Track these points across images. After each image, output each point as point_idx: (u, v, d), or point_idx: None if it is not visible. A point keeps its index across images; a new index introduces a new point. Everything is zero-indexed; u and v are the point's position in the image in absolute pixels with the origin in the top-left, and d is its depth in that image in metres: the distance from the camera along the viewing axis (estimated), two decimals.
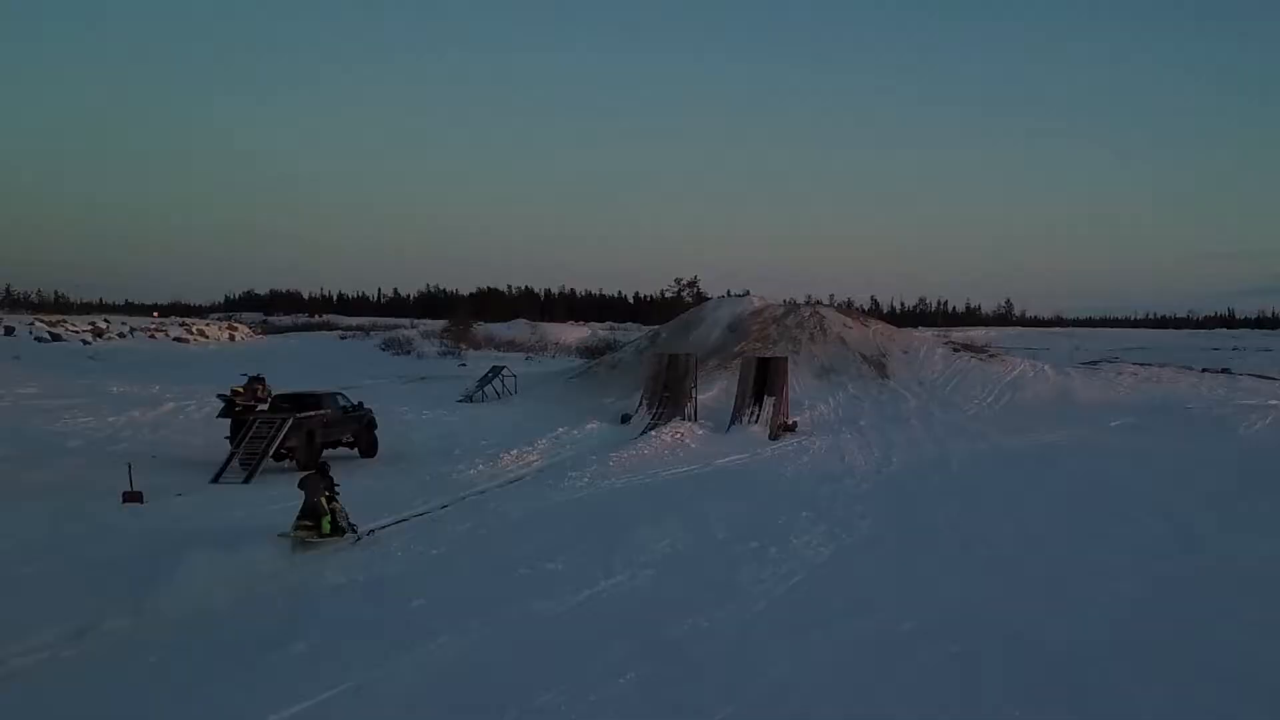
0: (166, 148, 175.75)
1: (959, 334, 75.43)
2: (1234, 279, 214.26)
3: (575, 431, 24.07)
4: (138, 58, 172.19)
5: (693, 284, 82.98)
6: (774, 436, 23.97)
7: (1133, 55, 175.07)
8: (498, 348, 59.57)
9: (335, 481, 12.91)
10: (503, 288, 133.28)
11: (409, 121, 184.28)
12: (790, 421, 26.12)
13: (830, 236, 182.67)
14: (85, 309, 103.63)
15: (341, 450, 20.53)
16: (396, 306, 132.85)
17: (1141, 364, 35.71)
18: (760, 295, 40.19)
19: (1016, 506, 15.78)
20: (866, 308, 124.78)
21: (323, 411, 19.73)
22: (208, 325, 58.72)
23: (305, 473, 13.63)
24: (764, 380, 26.53)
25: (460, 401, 32.09)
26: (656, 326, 41.25)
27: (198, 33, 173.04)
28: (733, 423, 25.02)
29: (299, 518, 12.33)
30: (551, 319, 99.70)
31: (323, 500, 12.42)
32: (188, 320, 60.01)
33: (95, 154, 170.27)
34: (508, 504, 15.40)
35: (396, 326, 77.20)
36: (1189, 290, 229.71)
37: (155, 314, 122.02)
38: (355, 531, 12.61)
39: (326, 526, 12.33)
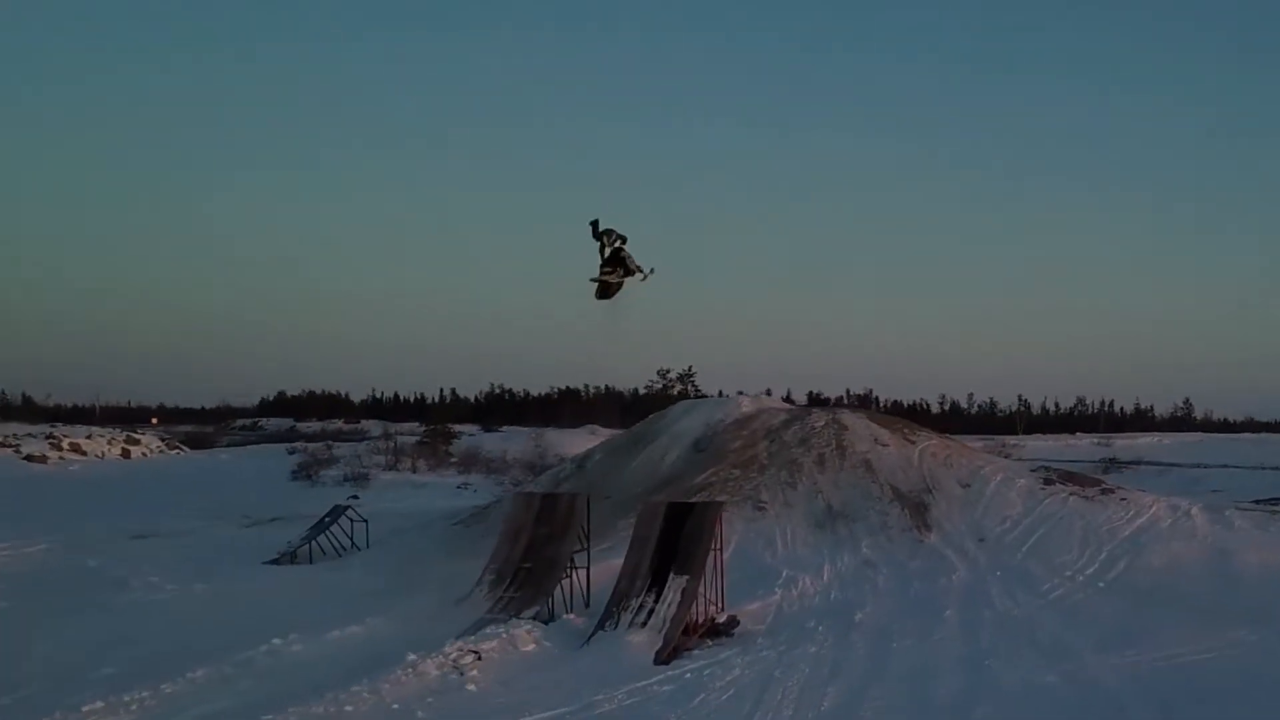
0: (194, 235, 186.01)
1: (1123, 441, 76.83)
2: None
3: (336, 632, 16.59)
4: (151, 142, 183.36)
5: (686, 376, 73.38)
6: (665, 657, 15.67)
7: None
8: (478, 469, 52.64)
9: None
10: (580, 387, 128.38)
11: (448, 207, 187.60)
12: (723, 619, 17.89)
13: (980, 330, 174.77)
14: (108, 416, 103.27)
15: None
16: (453, 409, 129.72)
17: None
18: (752, 395, 32.02)
19: None
20: (1013, 409, 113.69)
21: None
22: (89, 437, 53.30)
23: None
24: (675, 543, 18.38)
25: (270, 563, 24.91)
26: (592, 446, 33.24)
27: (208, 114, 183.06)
28: (602, 624, 16.75)
29: None
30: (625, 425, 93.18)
31: None
32: (58, 432, 54.63)
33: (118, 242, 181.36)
34: None
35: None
36: None
37: (154, 420, 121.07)
38: None
39: None
